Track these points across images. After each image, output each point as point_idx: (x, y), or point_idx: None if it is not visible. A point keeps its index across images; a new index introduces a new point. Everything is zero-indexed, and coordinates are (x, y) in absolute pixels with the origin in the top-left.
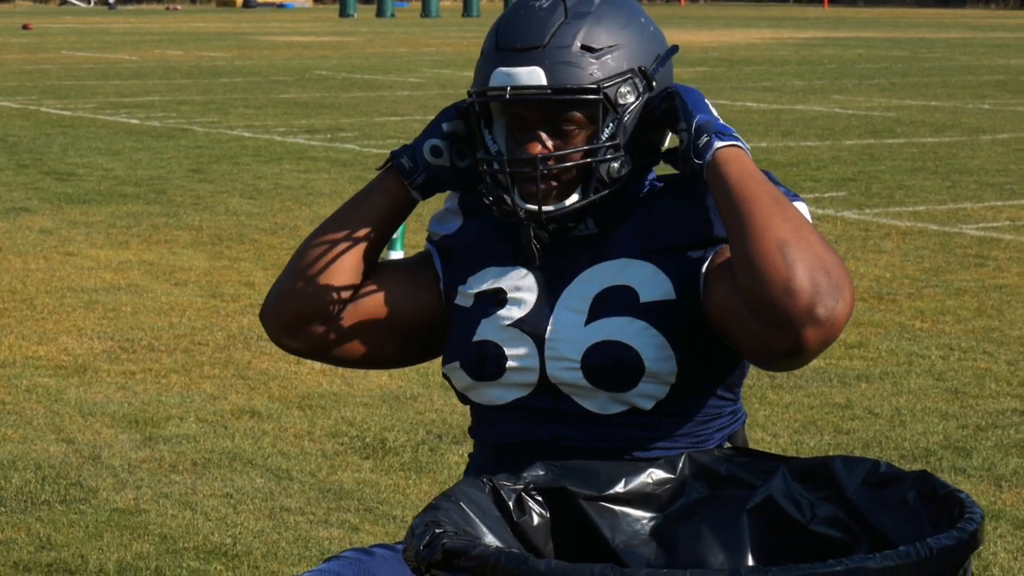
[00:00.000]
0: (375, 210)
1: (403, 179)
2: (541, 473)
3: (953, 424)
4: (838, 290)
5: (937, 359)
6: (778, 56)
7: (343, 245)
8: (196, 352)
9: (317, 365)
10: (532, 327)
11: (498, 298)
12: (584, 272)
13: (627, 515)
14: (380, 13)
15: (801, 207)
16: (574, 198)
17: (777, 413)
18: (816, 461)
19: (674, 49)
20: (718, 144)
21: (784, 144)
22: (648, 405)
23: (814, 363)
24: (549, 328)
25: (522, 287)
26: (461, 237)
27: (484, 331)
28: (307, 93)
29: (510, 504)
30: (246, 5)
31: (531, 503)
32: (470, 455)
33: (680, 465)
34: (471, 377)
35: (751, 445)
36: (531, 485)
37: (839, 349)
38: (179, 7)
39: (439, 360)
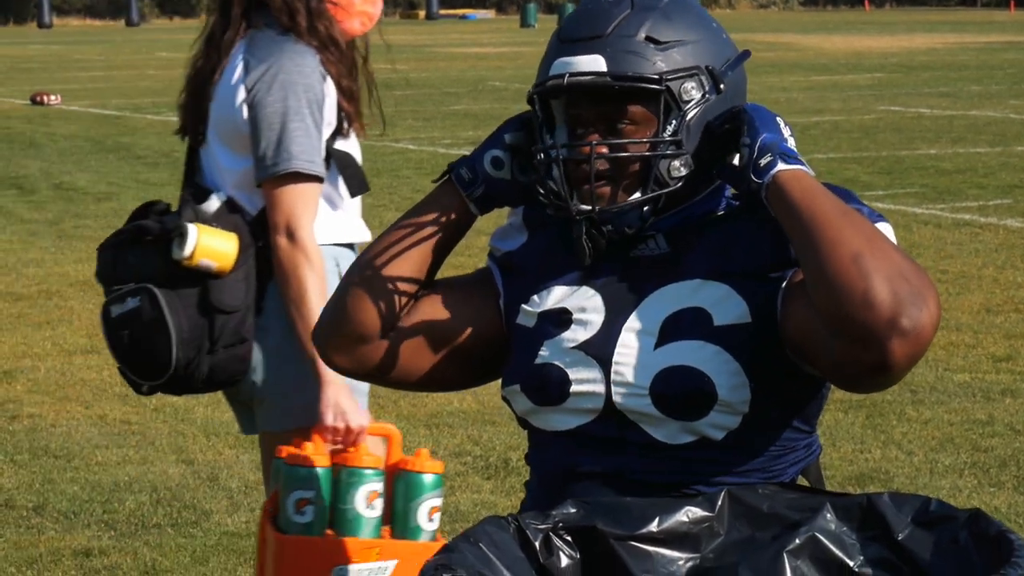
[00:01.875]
0: (431, 225)
1: (461, 191)
2: (571, 511)
3: None
4: (921, 298)
5: None
6: (958, 61)
7: (397, 262)
8: None
9: None
10: (598, 350)
11: (562, 318)
12: (654, 293)
13: (661, 556)
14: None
15: (885, 228)
16: (633, 197)
17: (915, 430)
18: (863, 498)
19: (746, 54)
20: (781, 167)
21: (953, 151)
22: (719, 436)
23: (959, 377)
24: (616, 351)
25: (588, 307)
26: (525, 254)
27: (547, 353)
28: (478, 105)
29: (536, 544)
30: (428, 17)
31: (559, 543)
32: (526, 484)
33: (719, 502)
34: (532, 401)
35: (885, 464)
36: (559, 524)
37: (987, 362)
38: None
39: None
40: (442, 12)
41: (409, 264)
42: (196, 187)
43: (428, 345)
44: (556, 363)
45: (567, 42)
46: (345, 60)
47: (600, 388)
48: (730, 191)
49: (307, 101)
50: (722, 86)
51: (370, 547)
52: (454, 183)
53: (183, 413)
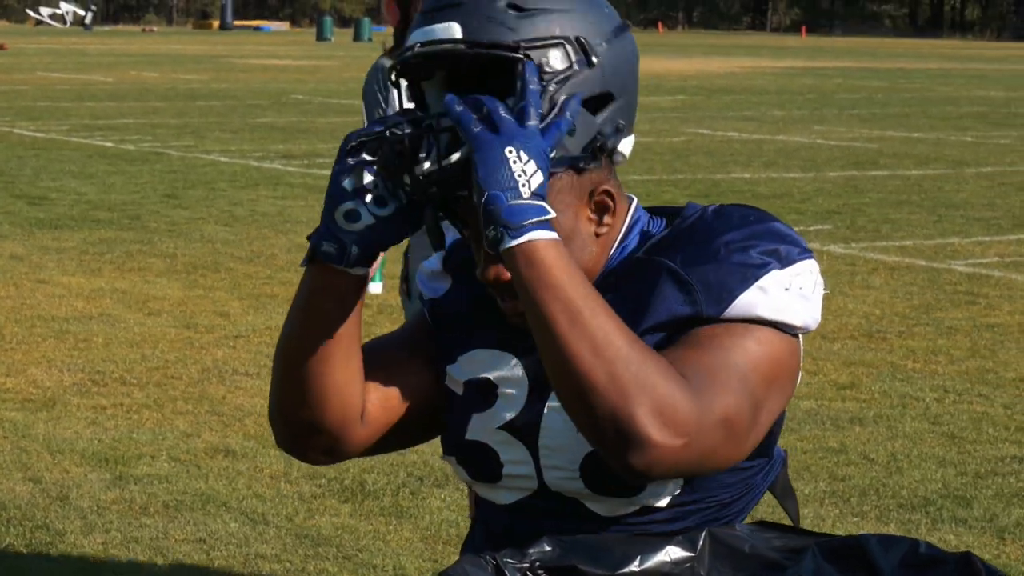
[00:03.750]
0: (325, 314)
1: (335, 266)
2: (547, 549)
3: (952, 471)
4: (641, 438)
5: (932, 401)
6: (757, 85)
7: (315, 366)
8: (169, 386)
9: None
10: (523, 433)
11: (487, 392)
12: None
13: None
14: (357, 37)
15: (807, 266)
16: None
17: None
18: (850, 540)
19: (624, 26)
20: (508, 243)
21: (767, 175)
22: (663, 503)
23: (806, 405)
24: (541, 434)
25: (511, 380)
26: (450, 304)
27: (476, 430)
28: (284, 117)
29: None
30: (222, 27)
31: None
32: (472, 523)
33: (700, 542)
34: (469, 476)
35: None
36: (537, 563)
37: (831, 390)
38: (155, 29)
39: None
40: (236, 23)
41: (328, 364)
42: None
43: (386, 421)
44: (486, 442)
45: (427, 12)
46: None
47: (531, 471)
48: (636, 232)
49: None
50: (594, 59)
51: None
52: (323, 262)
53: (23, 429)
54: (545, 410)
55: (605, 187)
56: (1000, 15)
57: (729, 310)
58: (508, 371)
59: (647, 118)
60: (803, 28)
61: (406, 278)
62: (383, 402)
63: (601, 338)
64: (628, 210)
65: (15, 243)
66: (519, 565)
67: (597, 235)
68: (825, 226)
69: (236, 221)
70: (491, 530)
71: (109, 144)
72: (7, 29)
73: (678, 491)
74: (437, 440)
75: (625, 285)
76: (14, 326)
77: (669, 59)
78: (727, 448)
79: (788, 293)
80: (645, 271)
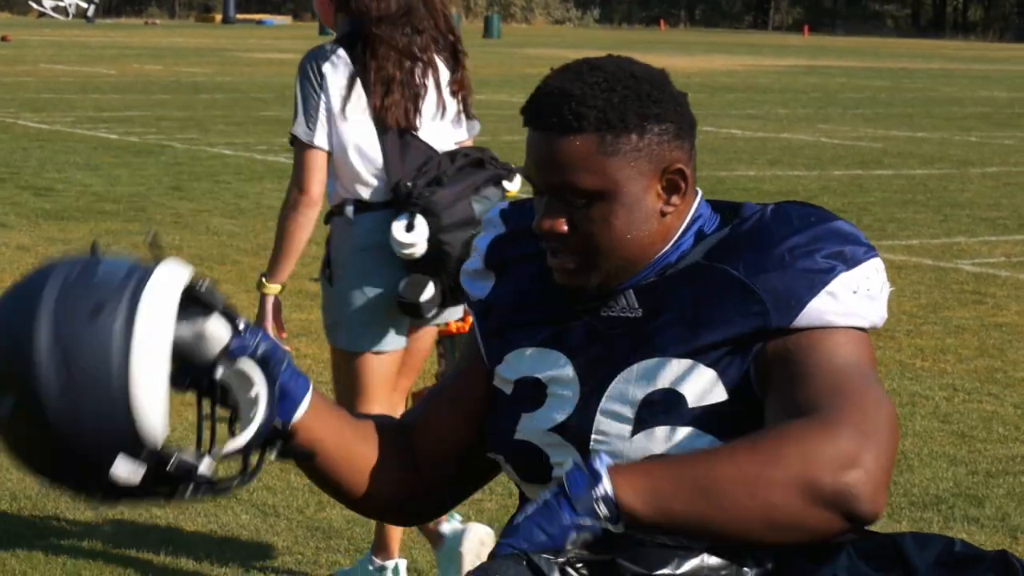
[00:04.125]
0: (317, 470)
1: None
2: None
3: (963, 470)
4: (847, 495)
5: (941, 400)
6: (760, 84)
7: (343, 492)
8: None
9: None
10: (575, 436)
11: (537, 392)
12: (625, 371)
13: None
14: None
15: (868, 268)
16: None
17: None
18: (885, 538)
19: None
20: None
21: (772, 173)
22: None
23: None
24: (593, 439)
25: (561, 380)
26: (497, 299)
27: (526, 430)
28: (288, 111)
29: None
30: (225, 21)
31: (575, 575)
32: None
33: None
34: (519, 476)
35: None
36: (575, 558)
37: None
38: (158, 22)
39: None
40: (238, 16)
41: (344, 482)
42: None
43: (470, 464)
44: (536, 443)
45: None
46: None
47: None
48: (695, 230)
49: None
50: None
51: None
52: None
53: None
54: (598, 414)
55: (681, 166)
56: (1003, 16)
57: (799, 318)
58: (558, 371)
59: None
60: (805, 27)
61: (328, 263)
62: (453, 445)
63: (737, 480)
64: (694, 202)
65: (21, 234)
66: (556, 560)
67: (663, 214)
68: None
69: (242, 214)
70: None
71: (114, 136)
72: (10, 21)
73: None
74: None
75: (684, 290)
76: None
77: (671, 57)
78: (895, 427)
79: (856, 296)
80: (707, 278)
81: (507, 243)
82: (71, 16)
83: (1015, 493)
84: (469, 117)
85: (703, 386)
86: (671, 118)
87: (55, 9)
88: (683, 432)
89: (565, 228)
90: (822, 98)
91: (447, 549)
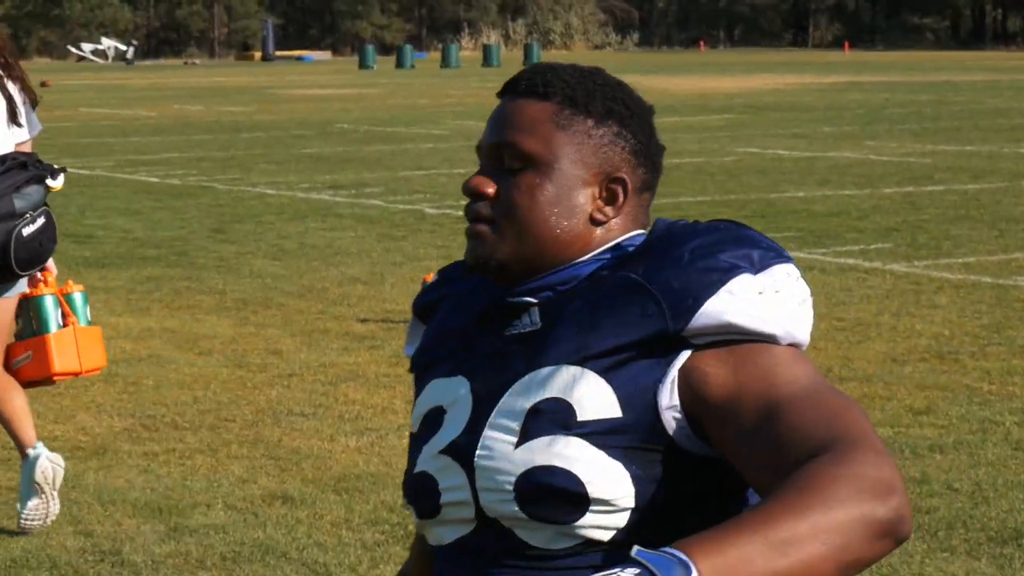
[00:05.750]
0: None
1: None
2: None
3: None
4: (888, 519)
5: (1012, 426)
6: (804, 102)
7: None
8: (223, 429)
9: (352, 442)
10: (461, 453)
11: (437, 418)
12: (518, 382)
13: None
14: (400, 64)
15: (778, 272)
16: None
17: None
18: None
19: None
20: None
21: (822, 193)
22: (605, 537)
23: (882, 432)
24: (478, 454)
25: (459, 401)
26: (421, 345)
27: (422, 460)
28: (329, 147)
29: None
30: (264, 59)
31: None
32: None
33: None
34: (417, 515)
35: None
36: None
37: (907, 416)
38: (197, 61)
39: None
40: (278, 54)
41: None
42: None
43: None
44: (428, 471)
45: None
46: None
47: (467, 496)
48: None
49: None
50: None
51: None
52: None
53: (74, 479)
54: (486, 428)
55: (624, 176)
56: None
57: (696, 318)
58: (457, 393)
59: (696, 138)
60: (846, 43)
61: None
62: None
63: (807, 533)
64: (634, 228)
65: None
66: None
67: (593, 220)
68: (886, 244)
69: (285, 255)
70: None
71: (154, 179)
72: (50, 67)
73: (624, 524)
74: None
75: (584, 298)
76: None
77: (713, 77)
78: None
79: (762, 298)
80: (606, 284)
81: (432, 290)
82: (111, 59)
83: None
84: (19, 124)
85: (591, 394)
86: (636, 134)
87: (95, 53)
88: (572, 443)
89: (491, 190)
90: (867, 114)
91: None
